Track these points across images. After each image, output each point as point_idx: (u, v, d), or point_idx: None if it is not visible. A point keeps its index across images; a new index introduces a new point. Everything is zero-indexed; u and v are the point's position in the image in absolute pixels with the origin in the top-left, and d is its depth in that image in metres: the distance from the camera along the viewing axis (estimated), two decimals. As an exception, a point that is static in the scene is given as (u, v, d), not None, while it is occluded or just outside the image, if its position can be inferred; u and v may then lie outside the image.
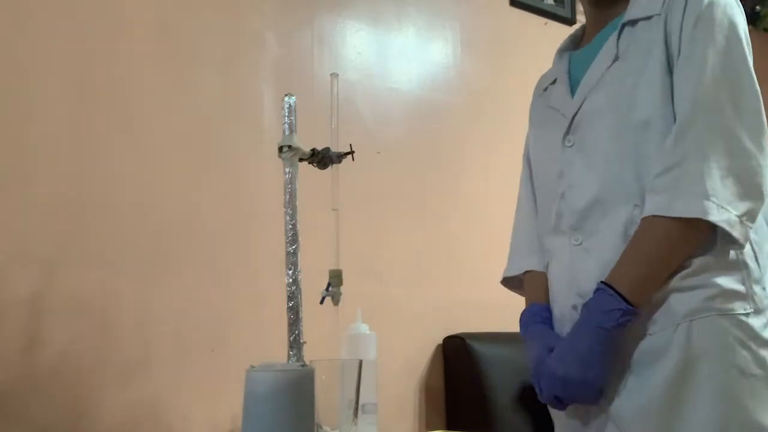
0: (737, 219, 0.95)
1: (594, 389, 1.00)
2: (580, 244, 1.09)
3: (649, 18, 1.06)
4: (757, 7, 3.00)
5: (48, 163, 1.46)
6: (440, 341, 1.99)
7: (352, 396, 1.14)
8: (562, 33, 2.50)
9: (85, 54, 1.54)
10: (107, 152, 1.54)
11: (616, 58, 1.09)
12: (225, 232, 1.66)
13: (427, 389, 1.95)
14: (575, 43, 1.28)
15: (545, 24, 2.48)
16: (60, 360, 1.41)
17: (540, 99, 1.27)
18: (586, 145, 1.10)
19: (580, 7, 2.54)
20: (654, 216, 0.98)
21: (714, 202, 0.95)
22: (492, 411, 1.85)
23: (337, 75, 1.27)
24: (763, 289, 1.00)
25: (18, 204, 1.42)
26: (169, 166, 1.61)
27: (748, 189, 0.97)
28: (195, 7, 1.71)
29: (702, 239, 0.98)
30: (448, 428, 1.93)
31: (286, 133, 1.09)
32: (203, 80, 1.69)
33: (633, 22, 1.08)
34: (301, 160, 1.11)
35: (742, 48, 1.02)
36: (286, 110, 1.09)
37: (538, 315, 1.16)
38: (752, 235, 1.00)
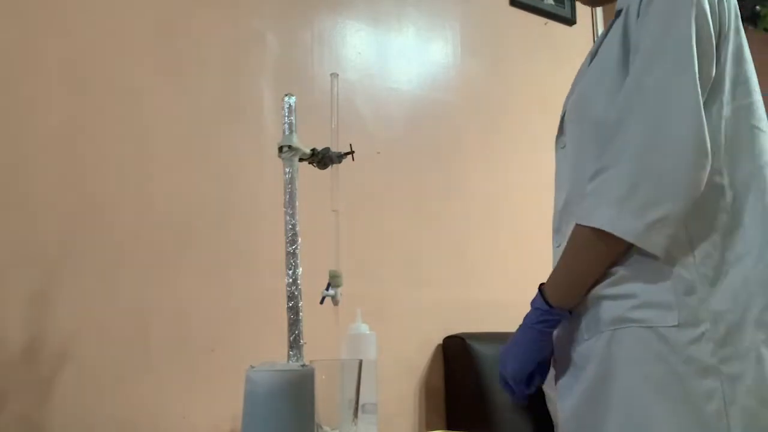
0: (644, 229, 0.90)
1: (516, 379, 1.04)
2: (559, 246, 1.10)
3: (620, 11, 1.04)
4: (757, 7, 3.00)
5: (48, 163, 1.46)
6: (440, 341, 1.99)
7: (352, 396, 1.14)
8: (562, 33, 2.52)
9: (86, 54, 1.54)
10: (107, 152, 1.54)
11: (594, 56, 1.09)
12: (225, 232, 1.66)
13: (427, 389, 1.95)
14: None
15: (545, 24, 2.48)
16: (60, 360, 1.41)
17: None
18: (568, 147, 1.11)
19: (580, 7, 2.55)
20: (577, 224, 0.98)
21: (622, 213, 0.91)
22: (492, 411, 1.84)
23: (337, 75, 1.27)
24: (702, 300, 0.92)
25: (18, 204, 1.42)
26: (169, 165, 1.61)
27: (665, 193, 0.90)
28: (195, 7, 1.71)
29: (618, 249, 0.95)
30: (448, 428, 1.93)
31: (286, 133, 1.09)
32: (203, 80, 1.69)
33: (618, 14, 1.06)
34: (301, 160, 1.11)
35: (684, 39, 0.93)
36: (286, 110, 1.09)
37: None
38: (697, 241, 0.94)
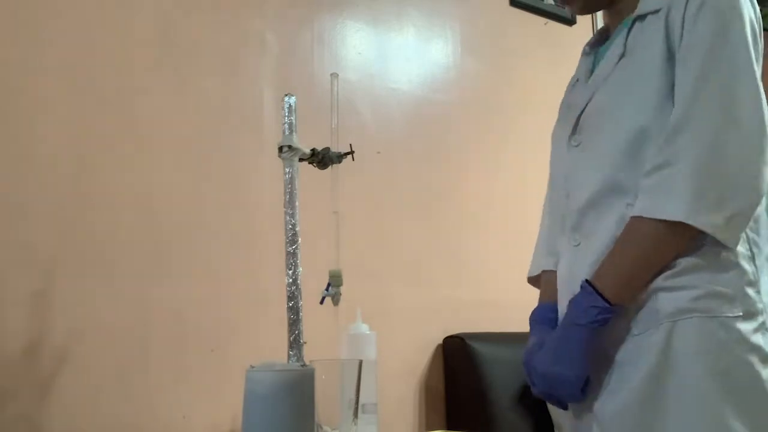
0: (723, 221, 0.93)
1: (570, 385, 0.99)
2: (578, 244, 1.09)
3: (656, 12, 1.03)
4: (758, 7, 3.00)
5: (48, 163, 1.46)
6: (440, 341, 1.99)
7: (352, 396, 1.14)
8: (562, 33, 2.52)
9: (86, 54, 1.54)
10: (107, 152, 1.54)
11: (622, 56, 1.07)
12: (225, 232, 1.66)
13: (427, 389, 1.95)
14: (602, 38, 1.24)
15: (545, 24, 2.48)
16: (60, 360, 1.41)
17: (565, 97, 1.25)
18: (589, 146, 1.09)
19: (580, 7, 2.55)
20: (638, 217, 0.97)
21: (700, 205, 0.92)
22: (492, 411, 1.84)
23: (337, 75, 1.27)
24: (758, 292, 0.96)
25: (18, 204, 1.42)
26: (169, 165, 1.61)
27: (738, 191, 0.94)
28: (195, 7, 1.71)
29: (688, 241, 0.96)
30: (448, 428, 1.93)
31: (286, 133, 1.09)
32: (203, 80, 1.69)
33: (642, 17, 1.06)
34: (301, 160, 1.11)
35: (743, 38, 0.97)
36: (286, 110, 1.09)
37: (543, 313, 1.17)
38: (751, 236, 0.99)
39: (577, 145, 1.11)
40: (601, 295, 0.97)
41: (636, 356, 0.98)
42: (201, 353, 1.58)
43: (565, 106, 1.22)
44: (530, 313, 1.20)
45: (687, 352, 0.94)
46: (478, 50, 2.28)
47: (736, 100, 0.95)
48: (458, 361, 1.94)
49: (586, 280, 1.00)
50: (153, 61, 1.63)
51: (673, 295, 0.96)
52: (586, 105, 1.10)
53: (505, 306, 2.08)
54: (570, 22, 2.55)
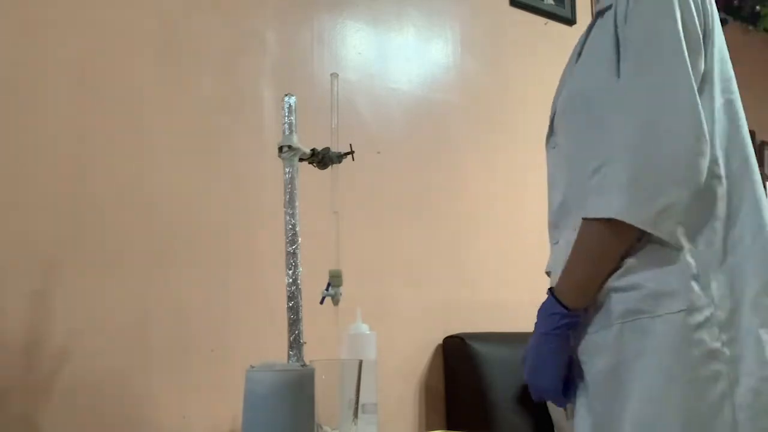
0: (654, 215, 0.93)
1: (551, 393, 1.03)
2: (556, 243, 1.11)
3: (609, 7, 1.04)
4: (757, 7, 3.00)
5: (48, 163, 1.46)
6: (440, 341, 1.99)
7: (352, 396, 1.14)
8: (562, 33, 2.52)
9: (85, 54, 1.54)
10: (107, 152, 1.54)
11: (580, 54, 1.09)
12: (225, 232, 1.66)
13: (427, 389, 1.95)
14: None
15: (545, 24, 2.48)
16: (60, 360, 1.41)
17: None
18: (560, 147, 1.12)
19: (580, 7, 2.55)
20: (584, 219, 0.98)
21: (630, 201, 0.92)
22: (492, 411, 1.84)
23: (337, 75, 1.27)
24: (706, 286, 0.95)
25: (18, 204, 1.42)
26: (169, 165, 1.61)
27: (668, 182, 0.93)
28: (195, 7, 1.71)
29: (629, 239, 0.96)
30: (448, 428, 1.93)
31: (286, 133, 1.09)
32: (203, 80, 1.69)
33: (601, 13, 1.06)
34: (301, 160, 1.11)
35: (673, 29, 0.96)
36: (286, 110, 1.09)
37: None
38: (697, 228, 0.97)
39: (554, 147, 1.14)
40: (560, 302, 0.99)
41: (591, 355, 1.00)
42: (201, 353, 1.58)
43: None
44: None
45: (636, 353, 0.95)
46: (478, 50, 2.28)
47: (667, 91, 0.95)
48: (458, 361, 1.94)
49: (550, 288, 1.03)
50: (153, 60, 1.63)
51: (622, 295, 0.97)
52: (556, 108, 1.13)
53: (505, 306, 2.08)
54: (570, 22, 2.55)
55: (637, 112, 0.95)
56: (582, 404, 1.03)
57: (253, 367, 0.96)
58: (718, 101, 1.01)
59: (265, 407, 0.93)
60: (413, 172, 2.02)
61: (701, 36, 0.99)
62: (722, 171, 0.99)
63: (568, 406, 1.10)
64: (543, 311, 1.02)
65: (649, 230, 0.93)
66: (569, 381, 1.05)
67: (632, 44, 0.98)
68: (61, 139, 1.49)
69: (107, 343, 1.47)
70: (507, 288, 2.12)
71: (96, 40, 1.56)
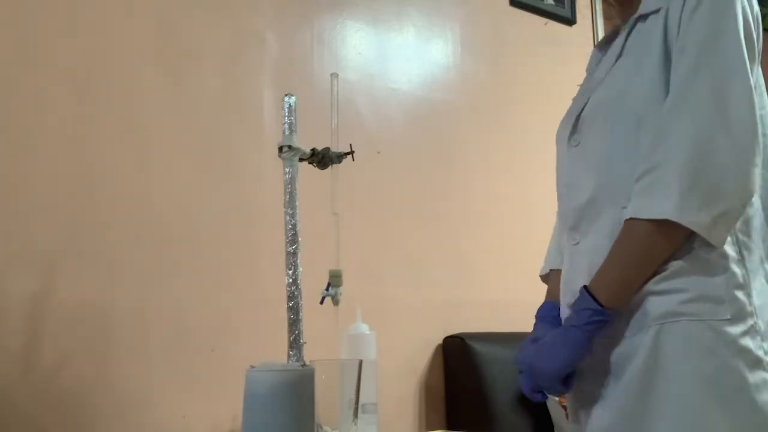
0: (710, 220, 0.92)
1: (550, 377, 1.01)
2: (577, 244, 1.09)
3: (656, 11, 1.03)
4: (756, 6, 3.00)
5: (48, 163, 1.46)
6: (440, 341, 1.99)
7: (352, 396, 1.14)
8: (562, 33, 2.52)
9: (85, 54, 1.54)
10: (107, 152, 1.54)
11: (619, 56, 1.08)
12: (225, 232, 1.66)
13: (427, 389, 1.96)
14: (613, 37, 1.23)
15: (545, 24, 2.48)
16: (60, 360, 1.41)
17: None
18: (586, 145, 1.09)
19: (580, 7, 2.55)
20: (631, 219, 0.97)
21: (687, 203, 0.92)
22: (492, 411, 1.84)
23: (337, 75, 1.27)
24: (748, 295, 0.95)
25: (18, 204, 1.42)
26: (169, 165, 1.61)
27: (725, 190, 0.93)
28: (195, 7, 1.71)
29: (677, 242, 0.96)
30: (448, 428, 1.93)
31: (286, 133, 1.09)
32: (203, 80, 1.70)
33: (644, 17, 1.06)
34: (301, 160, 1.11)
35: (737, 38, 0.96)
36: (286, 110, 1.09)
37: (546, 311, 1.18)
38: (742, 238, 0.98)
39: (576, 145, 1.11)
40: (594, 298, 0.98)
41: (627, 358, 0.98)
42: (201, 353, 1.58)
43: (571, 105, 1.22)
44: (537, 310, 1.21)
45: (674, 355, 0.94)
46: (478, 50, 2.28)
47: (727, 99, 0.95)
48: (458, 361, 1.94)
49: (584, 286, 1.00)
50: (153, 60, 1.63)
51: (662, 298, 0.96)
52: (585, 105, 1.11)
53: (505, 306, 2.08)
54: (570, 22, 2.55)
55: (694, 117, 0.94)
56: (606, 408, 1.01)
57: (253, 367, 0.96)
58: (757, 113, 1.00)
59: (265, 407, 0.93)
60: (413, 172, 2.02)
61: (756, 45, 1.00)
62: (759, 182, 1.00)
63: (569, 406, 1.09)
64: (577, 306, 1.00)
65: (703, 235, 0.93)
66: (571, 376, 1.02)
67: (690, 49, 0.97)
68: (61, 139, 1.49)
69: (107, 344, 1.47)
70: (507, 288, 2.12)
71: (96, 40, 1.56)
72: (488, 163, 2.20)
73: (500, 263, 2.15)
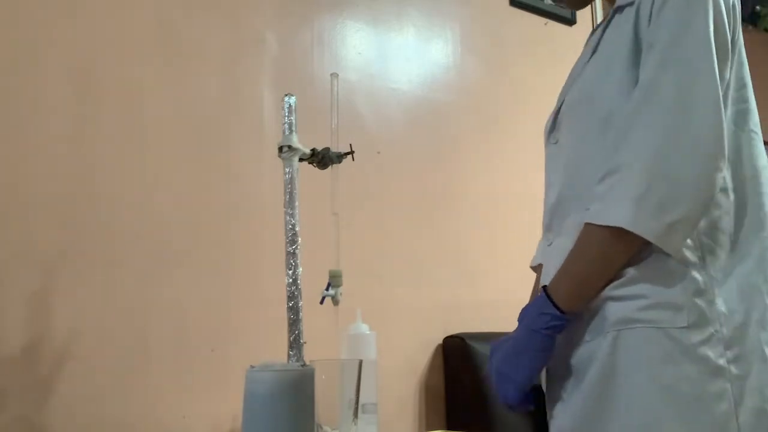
0: (664, 228, 0.89)
1: (513, 387, 1.00)
2: (550, 244, 1.08)
3: (631, 4, 1.00)
4: (757, 7, 3.00)
5: (48, 163, 1.46)
6: (440, 341, 1.99)
7: (352, 396, 1.14)
8: (562, 33, 2.53)
9: (85, 54, 1.54)
10: (107, 152, 1.54)
11: (594, 51, 1.06)
12: (225, 232, 1.66)
13: (427, 389, 1.95)
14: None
15: (545, 24, 2.48)
16: (60, 360, 1.41)
17: None
18: (562, 143, 1.08)
19: (580, 7, 2.55)
20: (588, 223, 0.95)
21: (641, 211, 0.89)
22: (492, 411, 1.84)
23: (337, 75, 1.27)
24: (710, 302, 0.92)
25: (18, 204, 1.42)
26: (169, 165, 1.61)
27: (682, 195, 0.90)
28: (195, 7, 1.71)
29: (634, 249, 0.93)
30: (448, 428, 1.93)
31: (286, 133, 1.09)
32: (203, 80, 1.69)
33: (620, 9, 1.03)
34: (301, 160, 1.12)
35: (705, 35, 0.92)
36: (286, 110, 1.09)
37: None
38: (706, 242, 0.95)
39: (555, 143, 1.11)
40: (553, 302, 0.96)
41: (587, 362, 0.97)
42: (201, 353, 1.58)
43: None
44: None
45: (631, 362, 0.92)
46: (478, 50, 2.28)
47: (691, 101, 0.91)
48: (458, 361, 1.94)
49: (544, 287, 1.00)
50: (153, 60, 1.63)
51: (620, 304, 0.94)
52: (563, 102, 1.10)
53: (505, 306, 2.07)
54: (570, 22, 2.55)
55: (656, 119, 0.91)
56: (565, 411, 1.00)
57: (253, 367, 0.96)
58: (729, 110, 0.97)
59: (265, 407, 0.93)
60: (413, 172, 2.02)
61: (729, 42, 0.96)
62: (729, 184, 0.96)
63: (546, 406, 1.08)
64: (534, 308, 0.98)
65: (657, 243, 0.90)
66: (536, 391, 1.03)
67: (657, 45, 0.94)
68: (61, 139, 1.49)
69: (107, 343, 1.47)
70: (507, 288, 2.11)
71: (96, 41, 1.56)
72: (488, 163, 2.20)
73: (500, 263, 2.15)
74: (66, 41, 1.52)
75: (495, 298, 2.10)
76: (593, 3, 2.62)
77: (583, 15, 2.57)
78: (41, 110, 1.47)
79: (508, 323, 1.99)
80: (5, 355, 1.36)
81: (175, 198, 1.60)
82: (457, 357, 1.94)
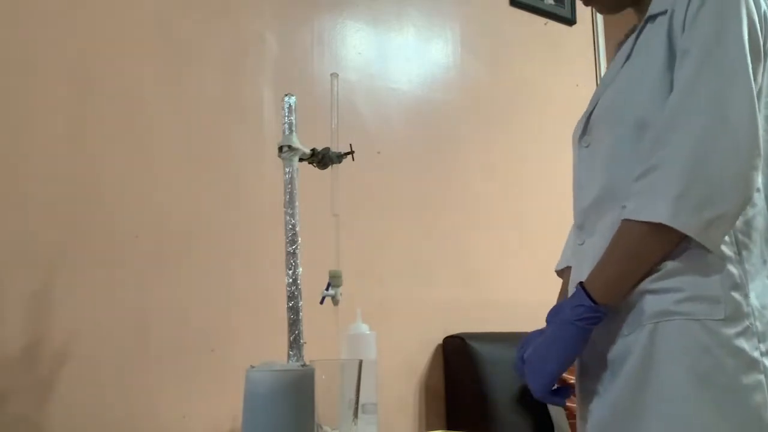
0: (704, 224, 0.92)
1: (540, 377, 1.01)
2: (582, 243, 1.10)
3: (663, 12, 1.03)
4: (764, 7, 3.00)
5: (48, 163, 1.47)
6: (440, 341, 1.99)
7: (352, 396, 1.14)
8: (562, 33, 2.53)
9: (85, 54, 1.54)
10: (107, 152, 1.54)
11: (628, 57, 1.08)
12: (225, 232, 1.66)
13: (427, 389, 1.96)
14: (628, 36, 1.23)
15: (545, 24, 2.48)
16: (60, 360, 1.41)
17: None
18: (595, 147, 1.10)
19: (580, 7, 2.55)
20: (627, 220, 0.98)
21: (681, 207, 0.92)
22: (492, 411, 1.85)
23: (337, 75, 1.27)
24: (745, 296, 0.95)
25: (18, 204, 1.42)
26: (169, 166, 1.61)
27: (722, 193, 0.93)
28: (195, 7, 1.71)
29: (672, 244, 0.96)
30: (448, 428, 1.93)
31: (286, 133, 1.09)
32: (203, 80, 1.70)
33: (653, 18, 1.06)
34: (301, 160, 1.11)
35: (740, 40, 0.96)
36: (286, 110, 1.09)
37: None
38: (741, 238, 0.98)
39: (587, 146, 1.13)
40: (588, 295, 0.98)
41: (624, 356, 0.99)
42: (201, 353, 1.58)
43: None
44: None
45: (668, 354, 0.94)
46: (478, 50, 2.28)
47: (727, 102, 0.94)
48: (458, 361, 1.94)
49: (580, 282, 1.01)
50: (153, 60, 1.63)
51: (657, 297, 0.96)
52: (595, 106, 1.12)
53: (505, 306, 2.08)
54: (570, 22, 2.55)
55: (694, 120, 0.94)
56: (603, 404, 1.01)
57: (253, 367, 0.96)
58: (762, 113, 1.00)
59: (265, 407, 0.93)
60: (413, 172, 2.02)
61: (763, 46, 0.99)
62: (761, 184, 1.00)
63: (577, 404, 1.09)
64: (571, 302, 1.00)
65: (697, 239, 0.93)
66: (566, 384, 1.04)
67: (692, 51, 0.97)
68: (61, 139, 1.49)
69: (107, 343, 1.47)
70: (507, 288, 2.12)
71: (96, 41, 1.56)
72: (488, 162, 2.20)
73: (500, 263, 2.15)
74: (66, 41, 1.52)
75: (495, 298, 2.10)
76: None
77: (583, 15, 2.57)
78: (41, 110, 1.47)
79: (508, 323, 2.00)
80: (5, 355, 1.36)
81: (174, 198, 1.60)
82: (457, 357, 1.94)
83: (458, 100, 2.19)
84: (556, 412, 1.84)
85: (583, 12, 2.56)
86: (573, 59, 2.50)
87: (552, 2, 2.50)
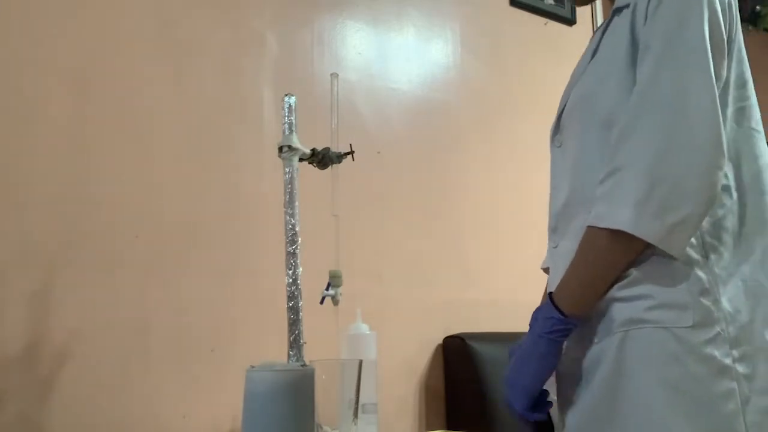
0: (666, 230, 0.89)
1: (515, 393, 0.99)
2: (556, 246, 1.09)
3: (627, 6, 1.00)
4: (758, 7, 3.00)
5: (48, 163, 1.46)
6: (440, 341, 1.99)
7: (352, 396, 1.14)
8: (562, 33, 2.53)
9: (85, 54, 1.54)
10: (107, 152, 1.54)
11: (594, 53, 1.06)
12: (225, 232, 1.66)
13: (427, 389, 1.95)
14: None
15: (545, 24, 2.48)
16: (60, 360, 1.41)
17: None
18: (565, 146, 1.09)
19: (580, 7, 2.55)
20: (590, 226, 0.95)
21: (642, 214, 0.89)
22: (492, 411, 1.84)
23: (337, 75, 1.27)
24: (715, 301, 0.92)
25: (18, 205, 1.42)
26: (169, 166, 1.61)
27: (684, 196, 0.89)
28: (195, 7, 1.71)
29: (637, 251, 0.93)
30: (448, 428, 1.93)
31: (286, 133, 1.09)
32: (203, 80, 1.70)
33: (618, 11, 1.03)
34: (301, 160, 1.11)
35: (700, 35, 0.92)
36: (286, 110, 1.09)
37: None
38: (709, 241, 0.95)
39: (559, 146, 1.11)
40: (557, 307, 0.96)
41: (595, 364, 0.97)
42: (201, 353, 1.58)
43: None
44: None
45: (638, 362, 0.92)
46: (478, 50, 2.28)
47: (687, 99, 0.91)
48: (458, 361, 1.94)
49: (550, 293, 0.99)
50: (153, 60, 1.63)
51: (626, 305, 0.94)
52: (565, 105, 1.10)
53: (505, 306, 2.08)
54: (570, 22, 2.55)
55: (654, 120, 0.91)
56: (574, 412, 1.00)
57: (253, 367, 0.96)
58: (730, 108, 0.97)
59: (265, 407, 0.93)
60: (413, 172, 2.02)
61: (726, 40, 0.96)
62: (732, 182, 0.96)
63: (558, 413, 1.08)
64: (539, 314, 0.99)
65: (659, 246, 0.90)
66: (544, 398, 1.02)
67: (653, 46, 0.94)
68: (61, 139, 1.49)
69: (107, 343, 1.47)
70: (507, 288, 2.12)
71: (95, 41, 1.56)
72: (488, 162, 2.20)
73: (500, 263, 2.15)
74: (66, 41, 1.52)
75: (495, 298, 2.10)
76: (593, 3, 2.63)
77: (583, 15, 2.57)
78: (41, 110, 1.47)
79: (508, 323, 2.00)
80: (5, 355, 1.36)
81: (174, 198, 1.60)
82: (457, 357, 1.94)
83: (458, 100, 2.19)
84: (556, 413, 1.84)
85: (583, 12, 2.56)
86: (573, 59, 2.49)
87: (552, 2, 2.50)
